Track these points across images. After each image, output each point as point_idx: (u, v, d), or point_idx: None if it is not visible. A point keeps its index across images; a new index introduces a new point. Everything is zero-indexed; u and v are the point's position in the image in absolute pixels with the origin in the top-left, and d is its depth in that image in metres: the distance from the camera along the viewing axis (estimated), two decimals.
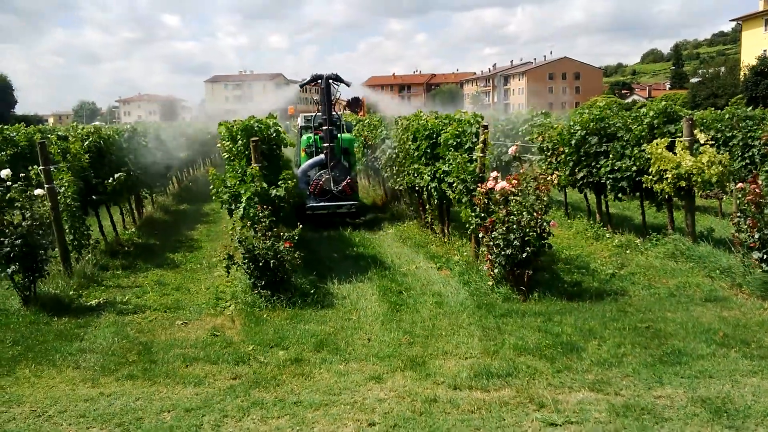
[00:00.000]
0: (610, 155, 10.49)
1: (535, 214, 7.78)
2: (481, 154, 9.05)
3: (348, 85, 15.30)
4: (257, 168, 8.63)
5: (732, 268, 8.47)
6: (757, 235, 7.80)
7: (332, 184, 13.80)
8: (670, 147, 9.43)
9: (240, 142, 9.24)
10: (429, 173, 10.35)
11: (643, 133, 9.96)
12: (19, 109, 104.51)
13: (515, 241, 7.71)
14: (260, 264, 7.92)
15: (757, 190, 7.81)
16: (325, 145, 13.93)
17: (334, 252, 11.21)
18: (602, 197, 11.55)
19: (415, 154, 11.11)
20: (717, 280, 8.44)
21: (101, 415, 5.05)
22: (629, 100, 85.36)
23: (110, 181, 11.13)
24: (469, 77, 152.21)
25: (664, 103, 10.00)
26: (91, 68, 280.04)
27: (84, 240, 10.58)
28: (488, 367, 5.82)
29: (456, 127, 9.56)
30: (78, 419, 5.01)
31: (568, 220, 12.73)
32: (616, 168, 10.32)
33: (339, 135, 14.46)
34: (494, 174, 8.34)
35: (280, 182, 8.85)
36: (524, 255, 7.72)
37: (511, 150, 8.61)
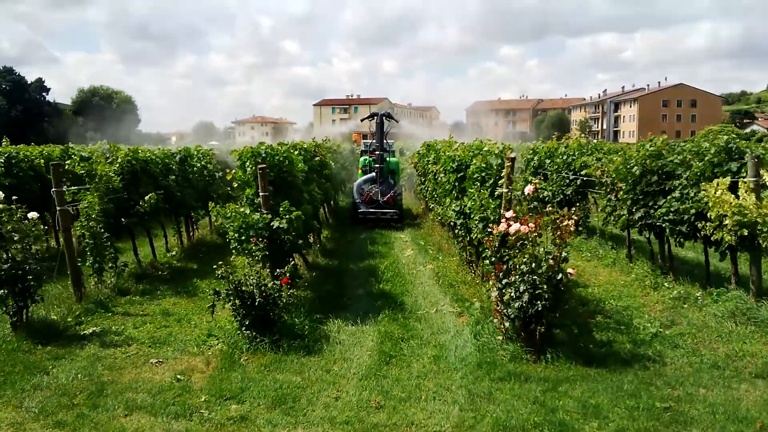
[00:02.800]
0: (668, 196, 9.22)
1: (551, 262, 6.77)
2: (505, 190, 8.10)
3: (397, 121, 21.03)
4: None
5: None
6: None
7: (379, 196, 17.60)
8: (734, 188, 8.12)
9: (249, 169, 8.74)
10: (456, 208, 9.47)
11: (703, 172, 8.66)
12: (143, 129, 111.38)
13: (525, 294, 6.72)
14: (247, 302, 7.32)
15: None
16: (376, 165, 17.99)
17: (361, 287, 10.49)
18: (664, 241, 10.22)
19: (446, 186, 10.24)
20: None
21: None
22: (748, 130, 79.77)
23: (141, 203, 10.95)
24: (578, 103, 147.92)
25: (726, 137, 8.65)
26: (216, 91, 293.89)
27: (106, 264, 10.43)
28: None
29: (481, 160, 8.64)
30: None
31: (629, 264, 11.37)
32: (672, 210, 9.04)
33: (387, 158, 18.74)
34: (509, 214, 7.37)
35: (282, 213, 8.25)
36: (534, 309, 6.71)
37: (528, 189, 7.59)
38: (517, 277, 6.81)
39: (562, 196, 14.15)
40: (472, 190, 8.67)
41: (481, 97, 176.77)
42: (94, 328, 8.23)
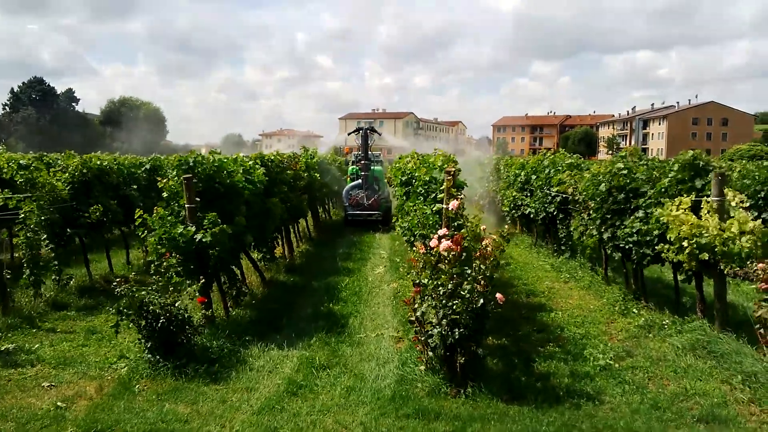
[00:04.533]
0: (633, 215, 8.49)
1: (476, 285, 6.11)
2: (444, 206, 7.44)
3: (379, 134, 23.75)
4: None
5: (758, 374, 6.31)
6: None
7: (365, 200, 19.70)
8: (697, 209, 7.39)
9: (177, 179, 8.21)
10: (403, 224, 8.84)
11: (668, 190, 7.93)
12: (173, 140, 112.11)
13: (443, 320, 6.06)
14: (152, 323, 6.75)
15: None
16: (362, 173, 19.97)
17: (310, 307, 9.86)
18: (633, 263, 9.45)
19: (399, 201, 9.62)
20: (736, 388, 6.29)
21: None
22: None
23: (87, 214, 10.50)
24: (606, 119, 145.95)
25: (691, 152, 7.90)
26: (249, 104, 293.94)
27: (48, 276, 10.02)
28: None
29: (424, 173, 8.00)
30: None
31: (605, 286, 10.60)
32: (635, 231, 8.30)
33: (372, 168, 20.40)
34: (441, 231, 6.72)
35: (205, 225, 7.69)
36: (453, 338, 6.04)
37: (452, 205, 6.92)
38: (435, 301, 6.16)
39: (545, 214, 13.42)
40: (415, 205, 8.03)
41: (511, 113, 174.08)
42: (8, 346, 7.72)
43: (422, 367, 6.58)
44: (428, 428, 5.46)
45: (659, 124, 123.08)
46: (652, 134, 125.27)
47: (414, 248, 6.98)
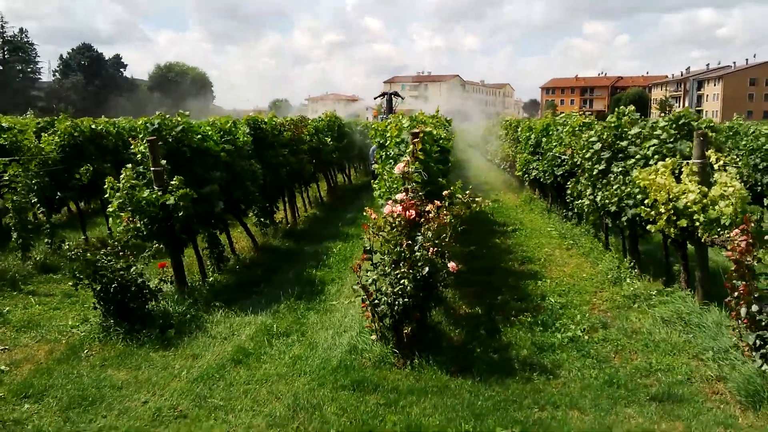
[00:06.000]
0: (616, 177, 8.02)
1: (425, 252, 5.81)
2: (410, 170, 7.10)
3: (402, 98, 24.86)
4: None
5: (729, 350, 5.88)
6: (743, 310, 5.24)
7: None
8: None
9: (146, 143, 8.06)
10: (376, 190, 8.53)
11: (655, 152, 7.41)
12: (224, 105, 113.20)
13: (386, 288, 5.80)
14: (106, 286, 6.68)
15: (744, 240, 5.21)
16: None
17: (293, 271, 9.72)
18: (624, 228, 8.97)
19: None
20: (706, 364, 5.88)
21: None
22: None
23: (77, 177, 10.50)
24: (659, 80, 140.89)
25: (679, 109, 7.35)
26: (298, 69, 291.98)
27: (41, 240, 10.12)
28: None
29: (396, 135, 7.66)
30: None
31: (604, 254, 10.13)
32: (617, 195, 7.84)
33: None
34: (400, 196, 6.42)
35: (171, 188, 7.54)
36: (398, 308, 5.78)
37: (397, 168, 6.58)
38: (382, 268, 5.89)
39: (552, 178, 12.92)
40: (386, 169, 7.73)
41: (563, 75, 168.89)
42: None
43: (373, 337, 6.34)
44: (361, 401, 5.24)
45: (714, 85, 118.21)
46: (707, 96, 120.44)
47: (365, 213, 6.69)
